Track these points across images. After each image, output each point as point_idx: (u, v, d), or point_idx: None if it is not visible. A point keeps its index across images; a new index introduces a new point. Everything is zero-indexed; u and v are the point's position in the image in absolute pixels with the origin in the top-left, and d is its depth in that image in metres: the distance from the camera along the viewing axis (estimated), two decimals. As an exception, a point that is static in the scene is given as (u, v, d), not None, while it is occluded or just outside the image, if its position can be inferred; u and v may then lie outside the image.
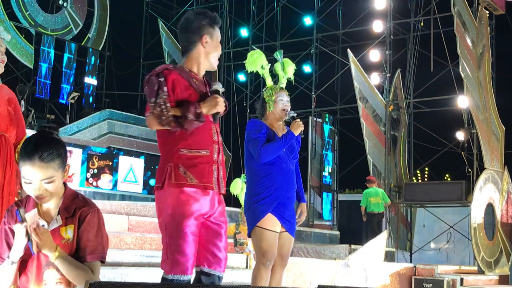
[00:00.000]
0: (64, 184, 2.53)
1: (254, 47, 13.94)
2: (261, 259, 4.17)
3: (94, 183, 11.84)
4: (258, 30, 16.47)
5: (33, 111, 12.71)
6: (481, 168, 11.42)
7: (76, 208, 2.50)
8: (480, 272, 10.44)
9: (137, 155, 12.90)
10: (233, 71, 16.10)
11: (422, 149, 14.58)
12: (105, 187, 12.01)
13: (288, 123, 4.37)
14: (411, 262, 12.08)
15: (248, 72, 4.58)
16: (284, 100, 4.37)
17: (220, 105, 3.04)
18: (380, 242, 8.85)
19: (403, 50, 14.35)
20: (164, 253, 3.02)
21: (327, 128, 14.44)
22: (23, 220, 2.38)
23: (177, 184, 2.97)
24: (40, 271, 2.45)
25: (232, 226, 7.63)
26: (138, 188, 12.63)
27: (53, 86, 15.34)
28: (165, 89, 2.94)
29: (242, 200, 6.62)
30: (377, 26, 13.79)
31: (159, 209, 3.05)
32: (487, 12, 12.28)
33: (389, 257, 11.17)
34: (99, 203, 8.52)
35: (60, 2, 15.71)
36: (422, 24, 14.14)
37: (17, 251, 2.40)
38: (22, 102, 12.29)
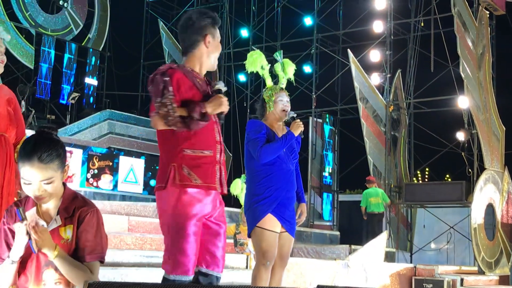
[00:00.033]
0: (64, 184, 2.54)
1: (254, 48, 13.94)
2: (261, 260, 4.17)
3: (95, 184, 11.85)
4: (259, 30, 16.47)
5: (33, 111, 12.72)
6: (482, 168, 11.42)
7: (75, 208, 2.50)
8: (481, 272, 10.44)
9: (138, 155, 12.91)
10: (233, 72, 16.10)
11: (423, 149, 14.58)
12: (106, 188, 12.01)
13: (288, 124, 4.38)
14: (411, 262, 12.08)
15: (248, 72, 4.58)
16: (284, 101, 4.37)
17: (225, 105, 3.04)
18: (380, 243, 8.84)
19: (404, 51, 14.35)
20: (165, 254, 3.00)
21: (327, 128, 14.44)
22: (23, 219, 2.38)
23: (181, 184, 2.96)
24: (39, 271, 2.45)
25: (232, 226, 7.63)
26: (138, 189, 12.63)
27: (54, 86, 15.34)
28: (170, 88, 2.93)
29: (242, 200, 6.62)
30: (378, 27, 13.79)
31: (161, 210, 3.03)
32: (487, 12, 12.28)
33: (389, 257, 11.16)
34: (100, 204, 8.53)
35: (61, 3, 15.72)
36: (422, 24, 14.14)
37: (18, 250, 2.40)
38: (23, 102, 12.30)
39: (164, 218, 3.02)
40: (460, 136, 12.98)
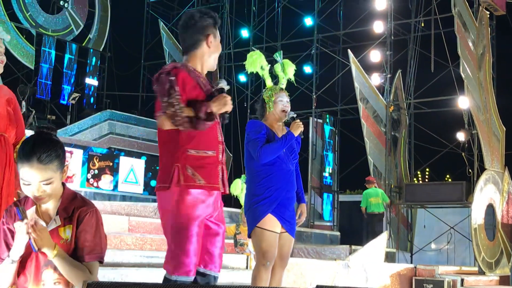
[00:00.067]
0: (63, 184, 2.54)
1: (255, 48, 13.95)
2: (261, 260, 4.17)
3: (95, 184, 11.85)
4: (259, 30, 16.48)
5: (34, 111, 12.71)
6: (482, 168, 11.42)
7: (74, 209, 2.50)
8: (481, 272, 10.44)
9: (138, 155, 12.90)
10: (233, 72, 16.11)
11: (423, 149, 14.57)
12: (106, 188, 12.01)
13: (288, 124, 4.38)
14: (411, 262, 12.08)
15: (248, 73, 4.59)
16: (283, 101, 4.37)
17: (229, 104, 3.04)
18: (380, 243, 8.84)
19: (404, 51, 14.35)
20: (168, 254, 2.99)
21: (327, 128, 14.44)
22: (23, 218, 2.39)
23: (185, 185, 2.95)
24: (38, 271, 2.45)
25: (232, 226, 7.63)
26: (138, 189, 12.63)
27: (54, 86, 15.35)
28: (176, 88, 2.92)
29: (242, 200, 6.62)
30: (378, 27, 13.79)
31: (164, 210, 3.02)
32: (488, 12, 12.28)
33: (390, 257, 11.16)
34: (100, 204, 8.54)
35: (61, 3, 15.73)
36: (422, 24, 14.14)
37: (18, 250, 2.40)
38: (23, 103, 12.30)
39: (167, 218, 3.00)
40: (461, 136, 12.98)
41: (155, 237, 6.87)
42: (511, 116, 12.55)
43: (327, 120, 14.49)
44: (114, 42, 17.38)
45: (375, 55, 13.77)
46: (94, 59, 16.50)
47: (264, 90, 4.51)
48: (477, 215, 10.67)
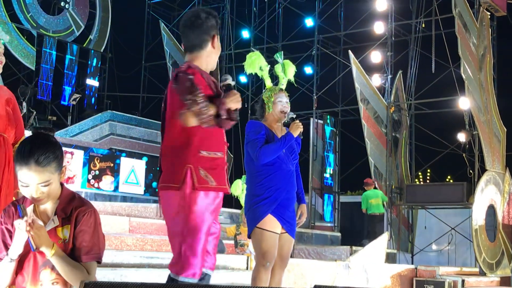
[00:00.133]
0: (61, 184, 2.53)
1: (255, 49, 13.95)
2: (261, 260, 4.17)
3: (96, 185, 11.85)
4: (260, 31, 16.48)
5: (34, 112, 12.72)
6: (483, 169, 11.41)
7: (73, 209, 2.50)
8: (482, 273, 10.43)
9: (139, 156, 12.90)
10: (234, 73, 16.10)
11: (424, 150, 14.56)
12: (107, 189, 12.01)
13: (287, 125, 4.38)
14: (412, 263, 12.06)
15: (247, 74, 4.59)
16: (283, 102, 4.37)
17: (240, 101, 3.03)
18: (381, 244, 8.84)
19: (405, 52, 14.34)
20: (177, 255, 2.97)
21: (328, 129, 14.43)
22: (23, 215, 2.38)
23: (200, 187, 2.94)
24: (36, 271, 2.45)
25: (232, 227, 7.64)
26: (139, 190, 12.63)
27: (55, 87, 15.36)
28: (197, 86, 2.93)
29: (242, 201, 6.62)
30: (379, 28, 13.79)
31: (172, 210, 2.99)
32: (488, 13, 12.27)
33: (390, 258, 11.15)
34: (101, 205, 8.55)
35: (62, 4, 15.75)
36: (423, 25, 14.13)
37: (17, 248, 2.40)
38: (24, 103, 12.30)
39: (176, 219, 2.98)
40: (461, 137, 12.97)
41: (156, 238, 6.87)
42: (512, 117, 12.55)
43: (328, 121, 14.48)
44: (115, 43, 17.39)
45: (375, 56, 13.77)
46: (95, 60, 16.51)
47: (264, 90, 4.51)
48: (478, 216, 10.66)
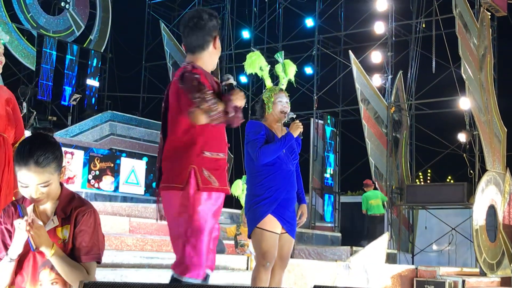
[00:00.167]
0: (61, 184, 2.53)
1: (255, 49, 13.94)
2: (261, 261, 4.16)
3: (96, 185, 11.85)
4: (260, 31, 16.48)
5: (35, 113, 12.72)
6: (483, 170, 11.40)
7: (72, 209, 2.50)
8: (482, 274, 10.42)
9: (139, 157, 12.90)
10: (234, 73, 16.09)
11: (424, 151, 14.56)
12: (107, 189, 12.00)
13: (287, 125, 4.37)
14: (412, 264, 12.05)
15: (248, 74, 4.58)
16: (283, 102, 4.36)
17: (244, 98, 3.05)
18: (381, 244, 8.83)
19: (405, 52, 14.33)
20: (181, 255, 2.96)
21: (328, 130, 14.43)
22: (24, 215, 2.38)
23: (204, 188, 2.95)
24: (36, 271, 2.44)
25: (233, 227, 7.63)
26: (140, 190, 12.62)
27: (55, 88, 15.35)
28: (204, 84, 2.94)
29: (243, 201, 6.62)
30: (379, 28, 13.78)
31: (175, 211, 2.98)
32: (489, 13, 12.26)
33: (391, 259, 11.15)
34: (101, 205, 8.55)
35: (62, 4, 15.75)
36: (423, 25, 14.12)
37: (17, 247, 2.39)
38: (24, 104, 12.30)
39: (180, 219, 2.96)
40: (462, 137, 12.96)
41: (156, 238, 6.87)
42: (513, 117, 12.53)
43: (328, 121, 14.48)
44: (115, 43, 17.39)
45: (376, 56, 13.76)
46: (95, 60, 16.51)
47: (264, 91, 4.50)
48: (479, 216, 10.65)
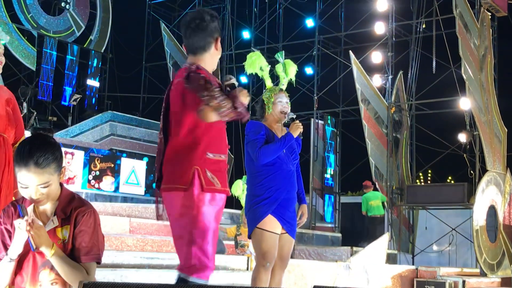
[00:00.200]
0: (61, 185, 2.53)
1: (255, 49, 13.94)
2: (261, 261, 4.16)
3: (96, 185, 11.85)
4: (260, 32, 16.48)
5: (35, 113, 12.73)
6: (484, 170, 11.39)
7: (72, 209, 2.50)
8: (483, 274, 10.41)
9: (139, 157, 12.90)
10: (235, 73, 16.09)
11: (424, 151, 14.55)
12: (107, 189, 12.01)
13: (287, 125, 4.37)
14: (413, 264, 12.05)
15: (248, 74, 4.58)
16: (283, 102, 4.36)
17: (248, 96, 3.03)
18: (382, 244, 8.83)
19: (405, 52, 14.33)
20: (186, 256, 2.94)
21: (329, 130, 14.43)
22: (24, 215, 2.38)
23: (207, 189, 2.95)
24: (35, 272, 2.44)
25: (233, 227, 7.64)
26: (140, 190, 12.62)
27: (55, 88, 15.36)
28: (211, 82, 2.94)
29: (243, 201, 6.61)
30: (379, 28, 13.78)
31: (176, 211, 2.97)
32: (489, 14, 12.26)
33: (391, 259, 11.15)
34: (101, 205, 8.55)
35: (63, 4, 15.75)
36: (424, 26, 14.12)
37: (17, 247, 2.39)
38: (24, 104, 12.31)
39: (183, 220, 2.95)
40: (462, 137, 12.96)
41: (156, 239, 6.86)
42: (513, 117, 12.53)
43: (329, 122, 14.48)
44: (115, 44, 17.39)
45: (376, 57, 13.76)
46: (95, 61, 16.51)
47: (264, 91, 4.50)
48: (479, 216, 10.65)
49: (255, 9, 16.41)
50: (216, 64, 3.25)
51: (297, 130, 4.29)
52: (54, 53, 15.31)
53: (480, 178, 11.29)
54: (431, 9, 13.65)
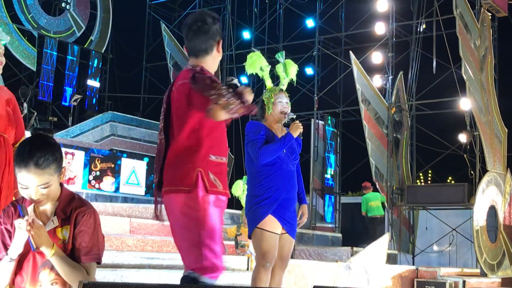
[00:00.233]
0: (61, 185, 2.53)
1: (255, 50, 13.94)
2: (261, 261, 4.16)
3: (97, 186, 11.85)
4: (261, 32, 16.47)
5: (35, 113, 12.73)
6: (484, 170, 11.39)
7: (72, 209, 2.50)
8: (483, 274, 10.41)
9: (140, 157, 12.91)
10: (235, 74, 16.09)
11: (425, 151, 14.55)
12: (108, 190, 12.01)
13: (287, 125, 4.37)
14: (413, 264, 12.05)
15: (248, 74, 4.58)
16: (283, 102, 4.36)
17: (252, 93, 3.02)
18: (382, 245, 8.82)
19: (406, 52, 14.33)
20: (199, 258, 2.91)
21: (329, 130, 14.43)
22: (24, 215, 2.38)
23: (211, 190, 2.95)
24: (35, 272, 2.44)
25: (233, 228, 7.64)
26: (140, 191, 12.63)
27: (56, 88, 15.37)
28: (217, 81, 2.93)
29: (243, 201, 6.62)
30: (379, 28, 13.78)
31: (179, 214, 2.96)
32: (490, 14, 12.26)
33: (392, 259, 11.14)
34: (101, 205, 8.56)
35: (63, 5, 15.76)
36: (424, 26, 14.12)
37: (17, 247, 2.39)
38: (25, 104, 12.31)
39: (188, 222, 2.93)
40: (462, 138, 12.95)
41: (156, 239, 6.87)
42: (513, 118, 12.53)
43: (329, 122, 14.48)
44: (115, 44, 17.40)
45: (376, 57, 13.76)
46: (96, 61, 16.52)
47: (264, 91, 4.50)
48: (479, 217, 10.65)
49: (256, 10, 16.42)
50: (217, 66, 3.26)
51: (297, 130, 4.29)
52: (55, 53, 15.32)
53: (480, 178, 11.29)
54: (432, 10, 13.65)
